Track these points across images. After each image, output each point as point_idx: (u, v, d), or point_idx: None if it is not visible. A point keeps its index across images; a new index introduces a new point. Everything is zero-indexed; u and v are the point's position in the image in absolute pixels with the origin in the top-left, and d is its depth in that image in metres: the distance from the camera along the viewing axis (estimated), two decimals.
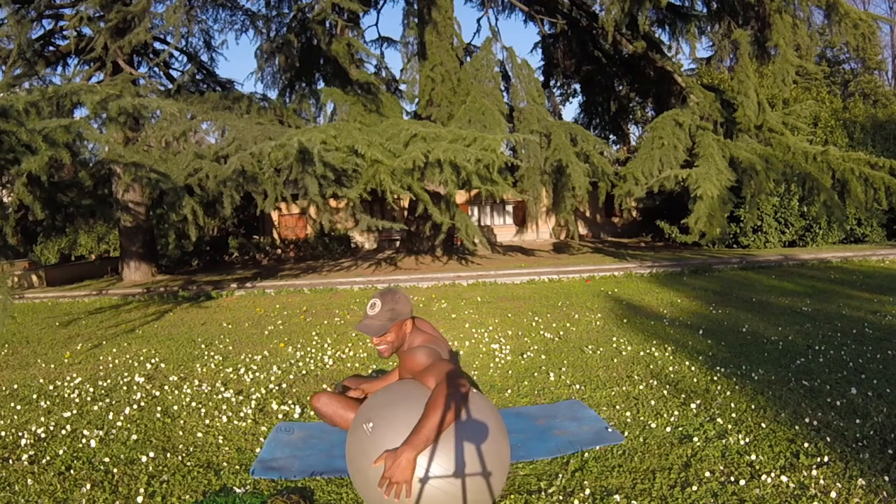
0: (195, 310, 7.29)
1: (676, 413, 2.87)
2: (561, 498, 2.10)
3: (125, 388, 3.74)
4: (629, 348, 4.25)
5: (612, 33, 11.53)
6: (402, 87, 14.90)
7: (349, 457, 2.05)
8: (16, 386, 3.90)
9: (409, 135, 8.58)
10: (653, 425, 2.73)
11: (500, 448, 1.99)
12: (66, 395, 3.60)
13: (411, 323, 2.38)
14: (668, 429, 2.67)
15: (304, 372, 4.00)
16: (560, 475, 2.26)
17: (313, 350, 4.64)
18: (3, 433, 2.96)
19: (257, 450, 2.63)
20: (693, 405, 2.95)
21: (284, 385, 3.69)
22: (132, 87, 8.15)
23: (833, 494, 2.01)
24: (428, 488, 1.82)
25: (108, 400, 3.49)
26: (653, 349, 4.19)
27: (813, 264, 9.77)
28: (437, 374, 2.12)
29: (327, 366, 4.15)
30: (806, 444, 2.43)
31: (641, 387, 3.33)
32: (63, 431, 2.94)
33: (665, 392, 3.21)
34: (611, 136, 16.93)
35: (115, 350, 4.96)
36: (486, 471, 1.89)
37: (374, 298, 2.35)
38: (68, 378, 4.02)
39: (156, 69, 12.24)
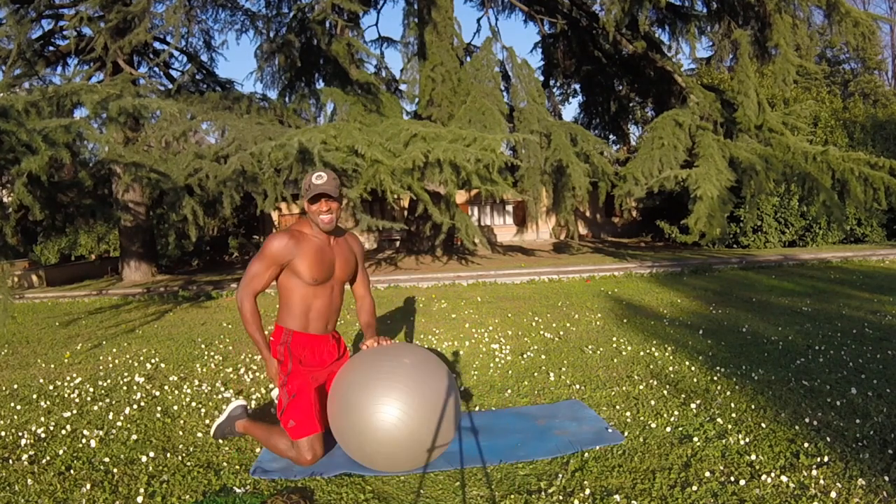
0: (195, 310, 7.29)
1: (676, 413, 2.87)
2: (561, 498, 2.10)
3: (125, 388, 3.74)
4: (629, 348, 4.25)
5: (612, 33, 11.53)
6: (403, 87, 14.89)
7: (340, 432, 2.33)
8: (16, 386, 3.90)
9: (409, 135, 8.57)
10: (653, 425, 2.73)
11: (451, 382, 2.36)
12: (66, 395, 3.60)
13: None
14: (668, 429, 2.67)
15: None
16: (560, 475, 2.26)
17: None
18: (3, 433, 2.96)
19: (257, 450, 2.63)
20: (693, 405, 2.95)
21: None
22: (132, 87, 8.13)
23: (833, 494, 2.01)
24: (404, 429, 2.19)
25: (108, 400, 3.49)
26: (653, 349, 4.19)
27: (813, 264, 9.78)
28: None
29: None
30: (806, 444, 2.43)
31: (641, 387, 3.33)
32: (63, 431, 2.94)
33: (665, 392, 3.21)
34: (611, 136, 16.93)
35: (115, 350, 4.96)
36: (447, 409, 2.27)
37: (318, 172, 2.40)
38: (68, 378, 4.02)
39: (156, 69, 12.23)
